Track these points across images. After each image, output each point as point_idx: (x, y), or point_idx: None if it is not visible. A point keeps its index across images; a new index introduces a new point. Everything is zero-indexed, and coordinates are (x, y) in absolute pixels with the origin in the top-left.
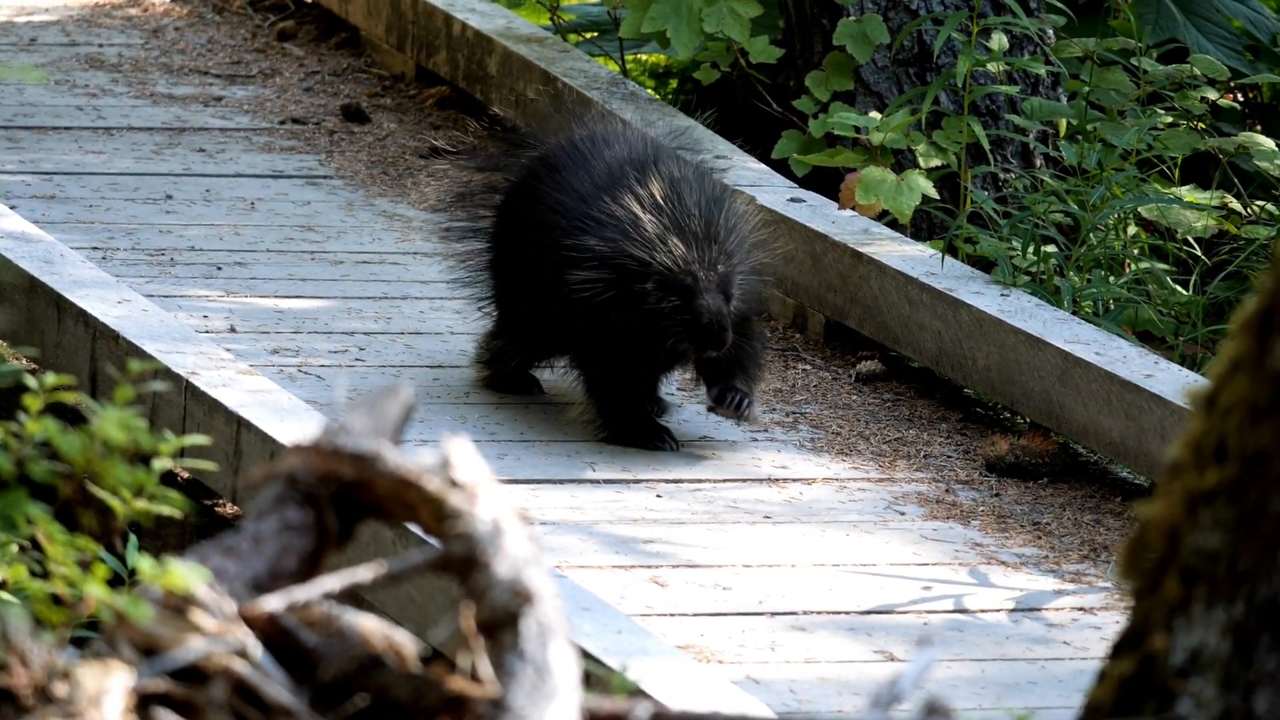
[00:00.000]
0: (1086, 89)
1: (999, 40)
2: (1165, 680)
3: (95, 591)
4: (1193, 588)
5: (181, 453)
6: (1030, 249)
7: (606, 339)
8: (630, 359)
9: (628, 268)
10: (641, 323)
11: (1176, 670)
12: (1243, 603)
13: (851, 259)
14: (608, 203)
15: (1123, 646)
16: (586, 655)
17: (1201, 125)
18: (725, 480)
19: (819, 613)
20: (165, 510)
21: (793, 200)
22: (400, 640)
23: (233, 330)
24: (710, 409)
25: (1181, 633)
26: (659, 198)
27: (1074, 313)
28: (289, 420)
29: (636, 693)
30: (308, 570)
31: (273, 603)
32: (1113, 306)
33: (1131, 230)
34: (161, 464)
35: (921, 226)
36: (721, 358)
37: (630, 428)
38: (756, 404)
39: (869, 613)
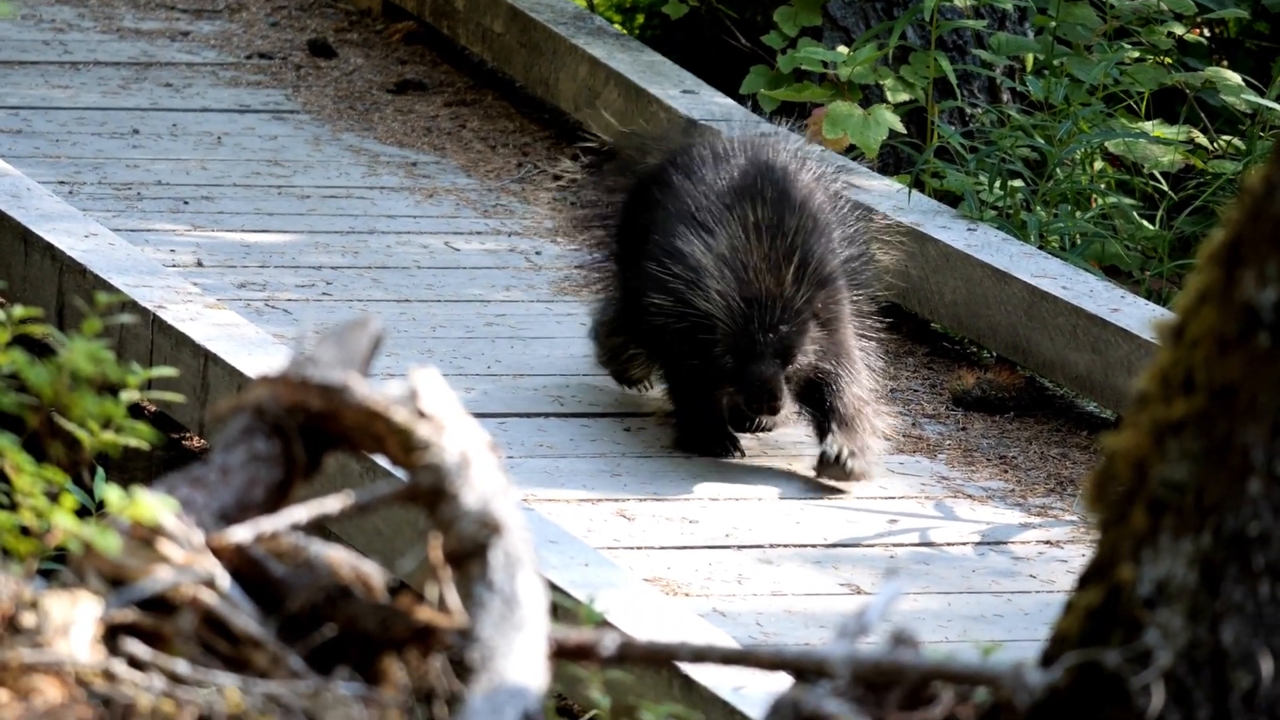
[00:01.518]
0: (1053, 24)
1: None
2: (1132, 611)
3: (63, 522)
4: (1160, 519)
5: (149, 386)
6: (997, 184)
7: (678, 363)
8: (698, 384)
9: (692, 317)
10: (708, 369)
11: (1143, 601)
12: (1210, 534)
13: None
14: (685, 241)
15: (1089, 578)
16: (554, 588)
17: (1168, 60)
18: None
19: (786, 546)
20: (133, 442)
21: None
22: (368, 571)
23: (199, 264)
24: (817, 475)
25: (1149, 564)
26: (733, 244)
27: (1040, 247)
28: (256, 354)
29: (603, 624)
30: (275, 501)
31: (240, 533)
32: (1079, 241)
33: (1098, 165)
34: (129, 396)
35: (888, 161)
36: (818, 402)
37: (699, 437)
38: (862, 455)
39: (835, 546)
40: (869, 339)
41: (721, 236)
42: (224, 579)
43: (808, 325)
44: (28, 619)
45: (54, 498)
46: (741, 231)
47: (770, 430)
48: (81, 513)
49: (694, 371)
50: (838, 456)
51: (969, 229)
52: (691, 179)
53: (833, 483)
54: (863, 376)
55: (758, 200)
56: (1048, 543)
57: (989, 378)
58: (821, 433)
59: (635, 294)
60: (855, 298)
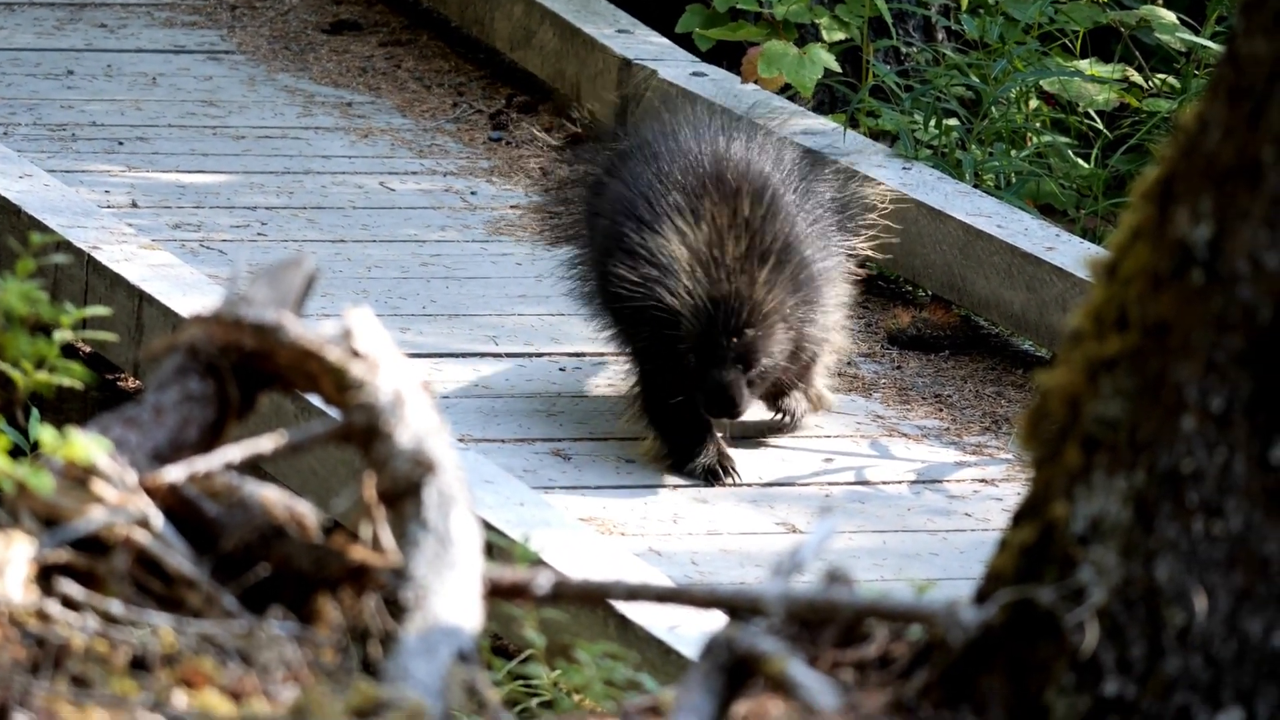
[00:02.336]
0: None
1: None
2: (1066, 548)
3: None
4: (1093, 456)
5: (83, 326)
6: (932, 122)
7: (640, 354)
8: (659, 377)
9: (658, 314)
10: (666, 363)
11: (1077, 538)
12: (1144, 471)
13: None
14: (652, 232)
15: (1023, 515)
16: (489, 528)
17: None
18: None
19: (721, 485)
20: (66, 382)
21: (695, 75)
22: (302, 510)
23: (134, 205)
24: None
25: (1082, 501)
26: (702, 240)
27: (975, 186)
28: (191, 294)
29: (538, 563)
30: (209, 441)
31: (174, 473)
32: (1014, 180)
33: (1033, 104)
34: (62, 335)
35: (823, 100)
36: (785, 383)
37: (681, 449)
38: (801, 405)
39: (771, 485)
40: (838, 331)
41: (689, 231)
42: (158, 519)
43: (775, 329)
44: None
45: None
46: (715, 229)
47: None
48: (15, 453)
49: (657, 367)
50: (794, 417)
51: (904, 168)
52: (658, 166)
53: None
54: (828, 364)
55: (734, 197)
56: (983, 481)
57: (924, 316)
58: (776, 400)
59: (605, 279)
60: (831, 292)
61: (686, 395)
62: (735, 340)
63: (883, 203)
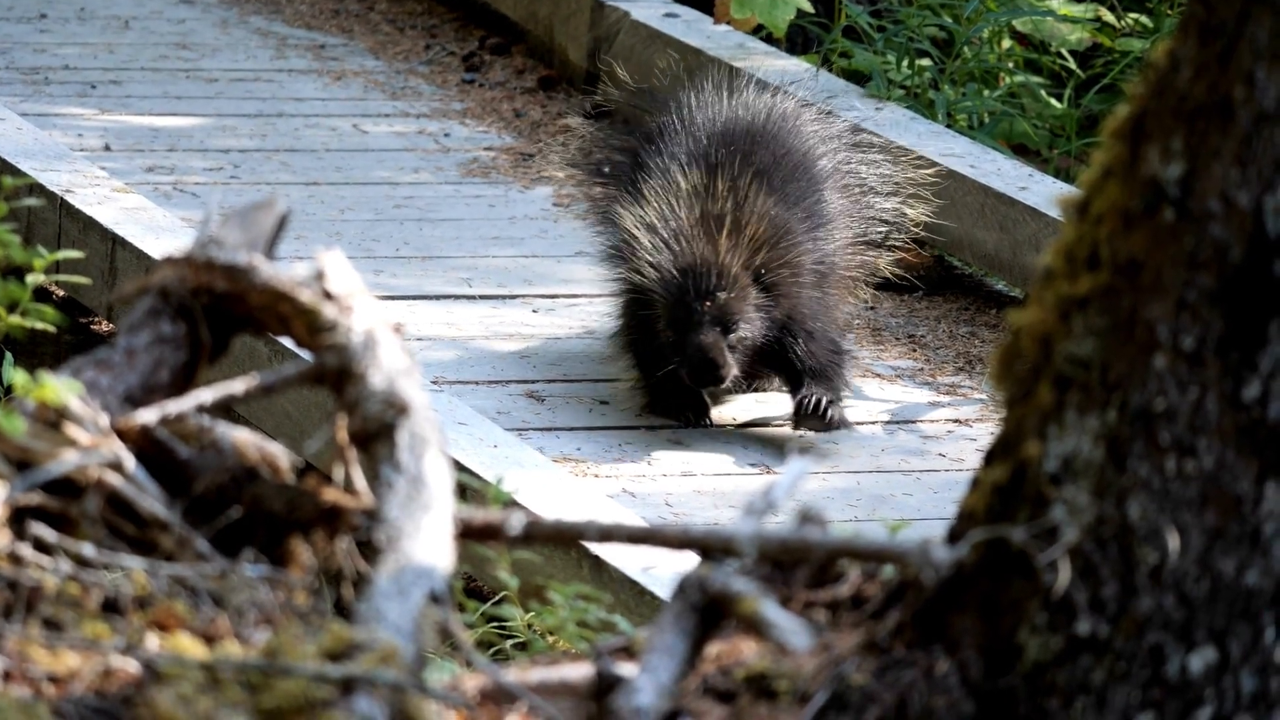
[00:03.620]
0: None
1: None
2: (1038, 488)
3: None
4: (1066, 395)
5: (56, 269)
6: (904, 63)
7: (630, 332)
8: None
9: (634, 291)
10: (653, 341)
11: (1050, 477)
12: (1115, 410)
13: (727, 74)
14: (629, 221)
15: (996, 455)
16: (463, 469)
17: None
18: (601, 295)
19: (695, 426)
20: (39, 325)
21: (668, 15)
22: (274, 452)
23: (107, 149)
24: (795, 426)
25: (1055, 440)
26: (660, 213)
27: (949, 126)
28: (164, 237)
29: (511, 504)
30: (181, 383)
31: (146, 416)
32: (987, 119)
33: (1006, 44)
34: (35, 279)
35: (796, 41)
36: (785, 361)
37: (660, 399)
38: (840, 403)
39: (745, 426)
40: (834, 292)
41: (651, 205)
42: (130, 461)
43: (749, 290)
44: None
45: None
46: (671, 198)
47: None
48: None
49: (645, 346)
50: (816, 405)
51: (877, 108)
52: (654, 147)
53: (812, 434)
54: (827, 331)
55: (695, 164)
56: (956, 421)
57: (898, 257)
58: (795, 385)
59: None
60: (824, 251)
61: (672, 370)
62: (708, 304)
63: (924, 185)
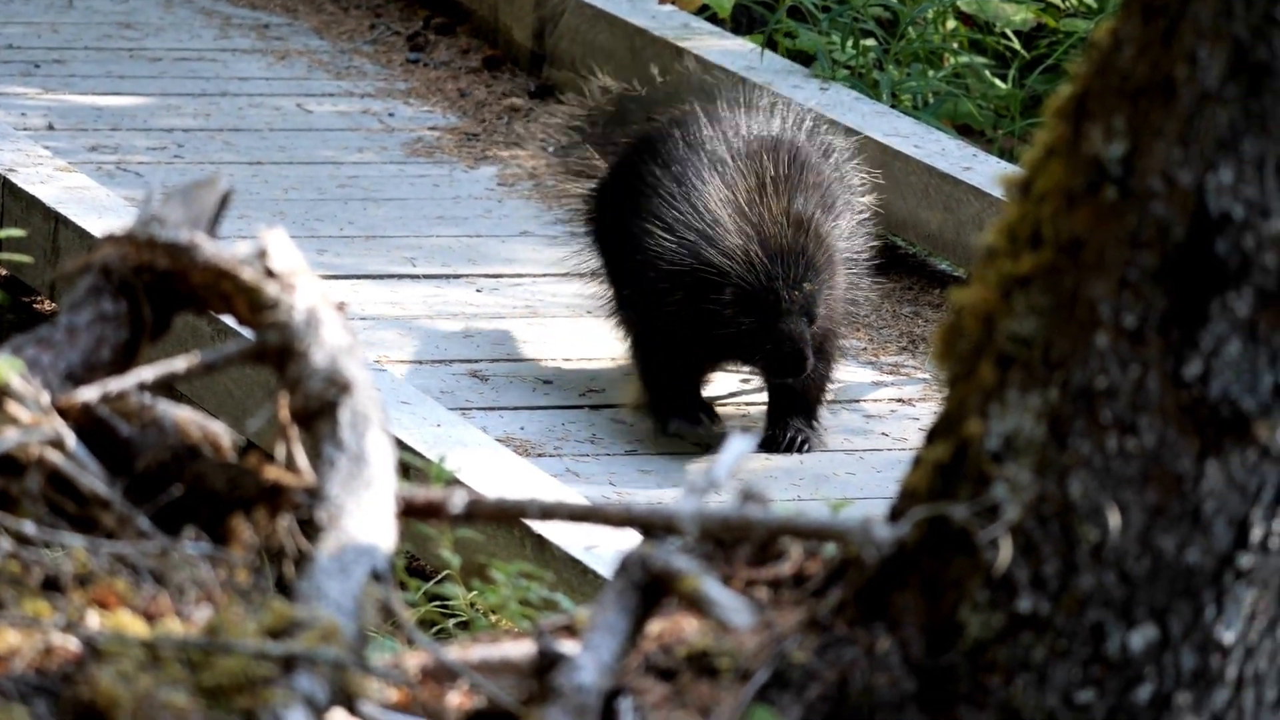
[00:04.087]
0: None
1: None
2: (980, 466)
3: None
4: (1008, 373)
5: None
6: (849, 43)
7: (672, 336)
8: (689, 359)
9: (704, 277)
10: (714, 337)
11: (991, 455)
12: (1057, 388)
13: (672, 54)
14: (692, 201)
15: (937, 433)
16: (406, 448)
17: None
18: (545, 274)
19: (640, 406)
20: None
21: None
22: (215, 430)
23: (51, 128)
24: (766, 448)
25: (996, 418)
26: (746, 198)
27: (893, 106)
28: (107, 216)
29: (454, 483)
30: (123, 361)
31: (87, 394)
32: (932, 100)
33: (950, 24)
34: None
35: (741, 21)
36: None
37: (671, 407)
38: (816, 436)
39: None
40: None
41: (729, 192)
42: (71, 439)
43: (826, 284)
44: None
45: None
46: (756, 183)
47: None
48: None
49: (688, 349)
50: (791, 444)
51: (821, 88)
52: (695, 141)
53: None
54: (838, 352)
55: (772, 159)
56: (900, 400)
57: None
58: (777, 408)
59: (620, 257)
60: (851, 272)
61: (735, 359)
62: (797, 293)
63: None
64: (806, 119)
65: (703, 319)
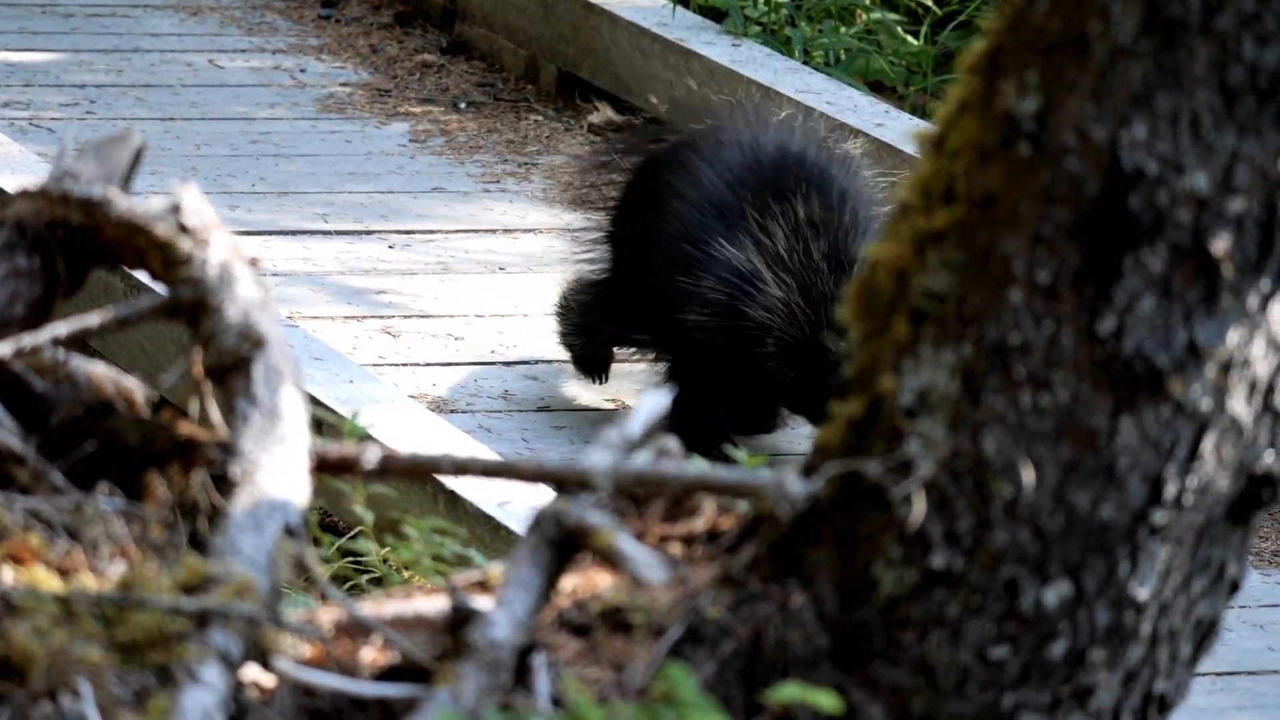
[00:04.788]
0: None
1: None
2: (893, 421)
3: None
4: (921, 329)
5: None
6: None
7: (704, 375)
8: (722, 397)
9: (745, 329)
10: (752, 381)
11: (905, 411)
12: (971, 344)
13: (583, 10)
14: (726, 240)
15: (851, 388)
16: (319, 405)
17: None
18: (457, 231)
19: (551, 361)
20: None
21: None
22: (129, 386)
23: None
24: None
25: (910, 374)
26: (784, 246)
27: (805, 63)
28: (20, 173)
29: (367, 439)
30: (37, 317)
31: (1, 349)
32: (844, 56)
33: None
34: None
35: None
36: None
37: (698, 434)
38: None
39: None
40: None
41: (767, 238)
42: None
43: None
44: None
45: None
46: (793, 227)
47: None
48: None
49: (720, 387)
50: None
51: (734, 44)
52: (718, 169)
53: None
54: None
55: (804, 195)
56: None
57: None
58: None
59: (633, 284)
60: None
61: (780, 406)
62: (844, 342)
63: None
64: (821, 130)
65: (742, 363)
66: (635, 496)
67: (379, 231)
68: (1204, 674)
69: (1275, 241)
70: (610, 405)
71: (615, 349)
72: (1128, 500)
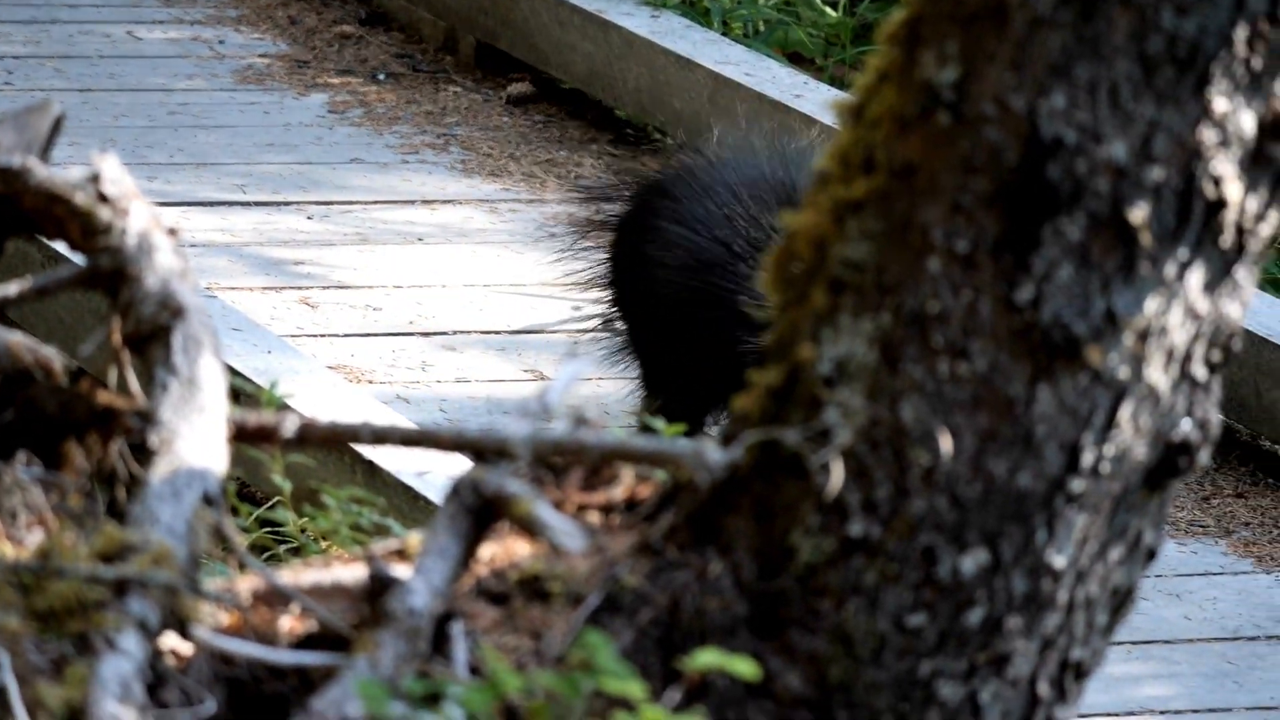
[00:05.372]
0: None
1: None
2: (812, 390)
3: None
4: (840, 298)
5: None
6: None
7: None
8: (706, 392)
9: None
10: (727, 361)
11: (823, 380)
12: (890, 313)
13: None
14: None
15: (770, 357)
16: (237, 374)
17: None
18: (376, 202)
19: (470, 332)
20: None
21: None
22: (47, 355)
23: None
24: None
25: (828, 343)
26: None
27: (724, 34)
28: None
29: (285, 408)
30: None
31: None
32: (763, 28)
33: None
34: None
35: None
36: None
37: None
38: None
39: (519, 333)
40: None
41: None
42: None
43: None
44: None
45: None
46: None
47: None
48: None
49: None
50: None
51: (652, 15)
52: (744, 208)
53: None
54: None
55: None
56: None
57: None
58: None
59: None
60: None
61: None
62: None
63: None
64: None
65: (713, 345)
66: (554, 466)
67: (297, 203)
68: (1120, 643)
69: (1193, 211)
70: (528, 377)
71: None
72: (1045, 468)
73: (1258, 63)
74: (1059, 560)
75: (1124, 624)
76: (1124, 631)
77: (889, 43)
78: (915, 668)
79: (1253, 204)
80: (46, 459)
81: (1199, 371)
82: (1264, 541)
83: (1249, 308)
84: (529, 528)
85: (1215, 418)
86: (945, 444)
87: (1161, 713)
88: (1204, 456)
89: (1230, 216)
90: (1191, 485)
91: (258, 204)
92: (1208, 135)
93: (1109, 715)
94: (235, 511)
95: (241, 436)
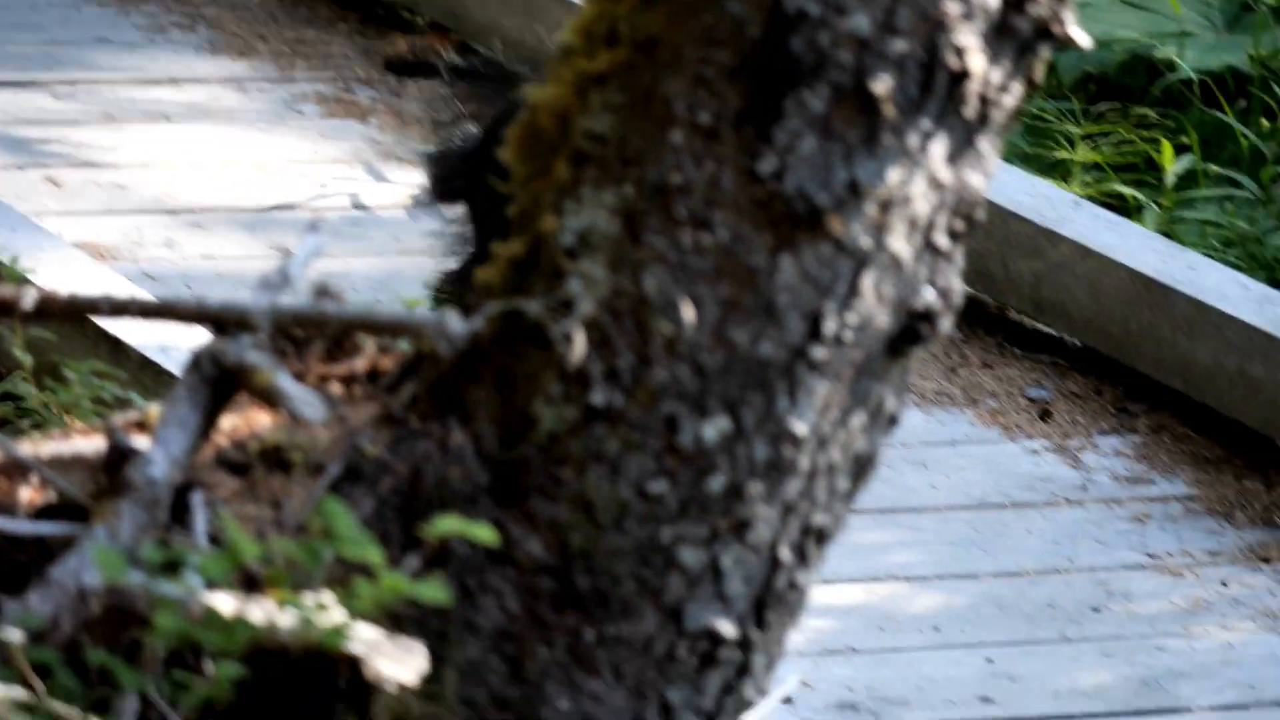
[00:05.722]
0: None
1: None
2: (554, 261)
3: None
4: (582, 170)
5: None
6: None
7: None
8: None
9: None
10: None
11: (566, 251)
12: (632, 184)
13: None
14: None
15: (513, 229)
16: None
17: None
18: (123, 80)
19: (217, 210)
20: None
21: None
22: None
23: None
24: None
25: (571, 215)
26: None
27: None
28: None
29: (26, 283)
30: None
31: None
32: None
33: None
34: None
35: None
36: None
37: None
38: None
39: (267, 210)
40: None
41: None
42: None
43: None
44: None
45: None
46: None
47: None
48: None
49: None
50: None
51: None
52: None
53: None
54: None
55: None
56: None
57: (421, 43)
58: None
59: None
60: None
61: None
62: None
63: None
64: None
65: None
66: (295, 338)
67: (43, 82)
68: (867, 510)
69: (936, 82)
70: (275, 254)
71: None
72: (787, 337)
73: None
74: (800, 427)
75: (867, 490)
76: (871, 500)
77: None
78: (657, 534)
79: (996, 75)
80: None
81: (942, 241)
82: (1010, 411)
83: (995, 180)
84: (270, 399)
85: (958, 286)
86: (688, 314)
87: (908, 579)
88: (946, 324)
89: (973, 87)
90: (939, 356)
91: (3, 84)
92: (951, 7)
93: (855, 581)
94: None
95: None
